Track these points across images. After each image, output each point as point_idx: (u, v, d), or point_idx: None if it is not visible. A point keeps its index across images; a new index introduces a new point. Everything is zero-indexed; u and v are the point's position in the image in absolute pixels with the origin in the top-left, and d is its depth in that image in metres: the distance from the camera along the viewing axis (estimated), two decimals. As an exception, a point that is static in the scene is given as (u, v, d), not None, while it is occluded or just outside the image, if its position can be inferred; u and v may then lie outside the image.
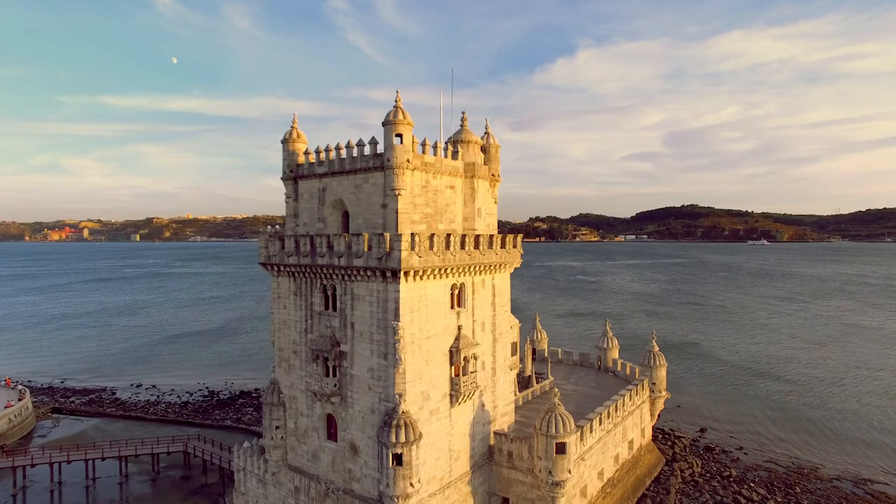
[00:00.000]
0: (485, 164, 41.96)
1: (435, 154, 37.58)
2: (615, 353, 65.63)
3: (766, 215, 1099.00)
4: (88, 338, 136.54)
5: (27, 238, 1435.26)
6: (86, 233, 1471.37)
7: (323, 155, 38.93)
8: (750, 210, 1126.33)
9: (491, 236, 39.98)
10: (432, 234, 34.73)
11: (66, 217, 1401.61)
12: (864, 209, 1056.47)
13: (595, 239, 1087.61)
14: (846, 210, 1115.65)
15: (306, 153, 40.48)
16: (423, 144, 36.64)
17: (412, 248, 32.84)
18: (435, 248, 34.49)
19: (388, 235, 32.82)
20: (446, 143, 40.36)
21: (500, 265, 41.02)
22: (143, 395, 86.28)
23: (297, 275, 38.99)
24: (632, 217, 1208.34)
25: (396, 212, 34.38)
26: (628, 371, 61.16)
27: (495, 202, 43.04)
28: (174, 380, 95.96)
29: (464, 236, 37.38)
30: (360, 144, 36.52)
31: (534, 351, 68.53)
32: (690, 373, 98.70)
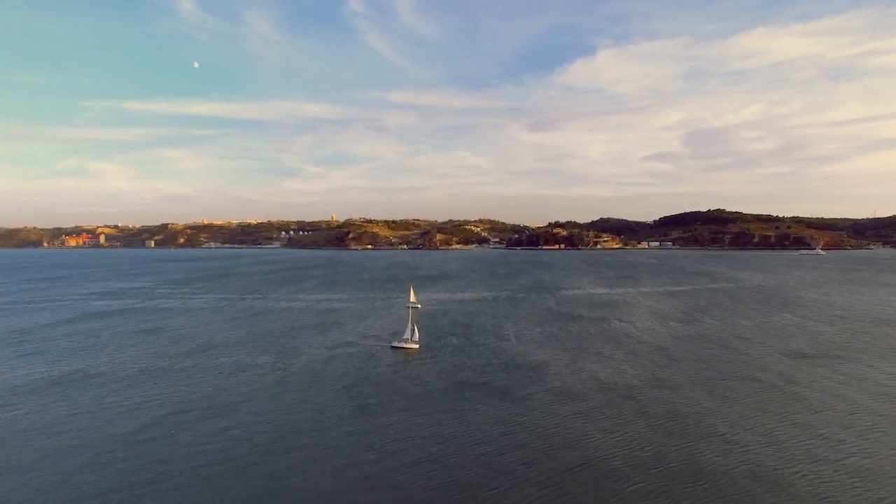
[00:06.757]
0: None
1: None
2: None
3: (797, 220, 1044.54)
4: None
5: (45, 244, 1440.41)
6: (102, 239, 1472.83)
7: None
8: (779, 214, 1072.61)
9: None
10: None
11: (86, 222, 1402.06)
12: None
13: (617, 246, 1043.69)
14: (883, 213, 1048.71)
15: None
16: None
17: None
18: None
19: None
20: None
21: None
22: None
23: None
24: (655, 221, 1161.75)
25: None
26: None
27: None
28: None
29: None
30: None
31: None
32: None
